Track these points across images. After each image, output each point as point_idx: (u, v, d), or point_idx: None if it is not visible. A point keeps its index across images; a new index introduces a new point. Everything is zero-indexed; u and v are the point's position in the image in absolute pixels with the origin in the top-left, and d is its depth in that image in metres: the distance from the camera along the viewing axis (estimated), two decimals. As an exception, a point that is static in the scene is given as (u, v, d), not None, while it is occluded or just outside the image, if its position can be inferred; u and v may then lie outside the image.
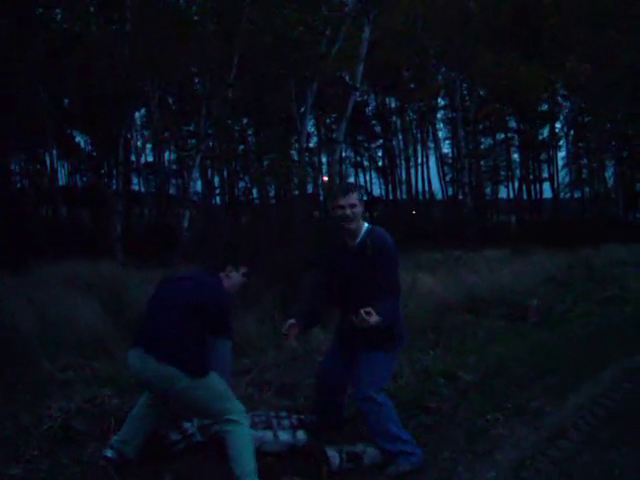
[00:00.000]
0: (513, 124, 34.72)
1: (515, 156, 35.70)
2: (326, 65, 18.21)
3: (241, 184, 26.94)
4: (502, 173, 36.53)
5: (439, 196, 35.77)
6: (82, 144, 29.03)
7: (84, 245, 16.00)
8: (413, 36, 22.92)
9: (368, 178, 40.78)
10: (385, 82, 30.72)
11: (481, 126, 32.91)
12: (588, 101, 28.40)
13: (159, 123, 22.13)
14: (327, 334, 6.43)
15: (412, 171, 36.53)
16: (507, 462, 4.02)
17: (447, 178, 35.40)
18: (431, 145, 35.80)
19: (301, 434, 4.18)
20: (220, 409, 3.60)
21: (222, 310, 3.65)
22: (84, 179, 30.84)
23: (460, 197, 29.84)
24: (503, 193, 37.06)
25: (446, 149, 37.21)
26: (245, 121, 26.35)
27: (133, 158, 27.67)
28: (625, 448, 4.13)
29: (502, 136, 35.43)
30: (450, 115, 33.58)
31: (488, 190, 36.77)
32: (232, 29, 16.74)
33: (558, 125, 32.94)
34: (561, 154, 35.06)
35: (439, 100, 32.16)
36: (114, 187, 19.41)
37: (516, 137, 35.21)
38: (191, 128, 26.16)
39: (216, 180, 27.39)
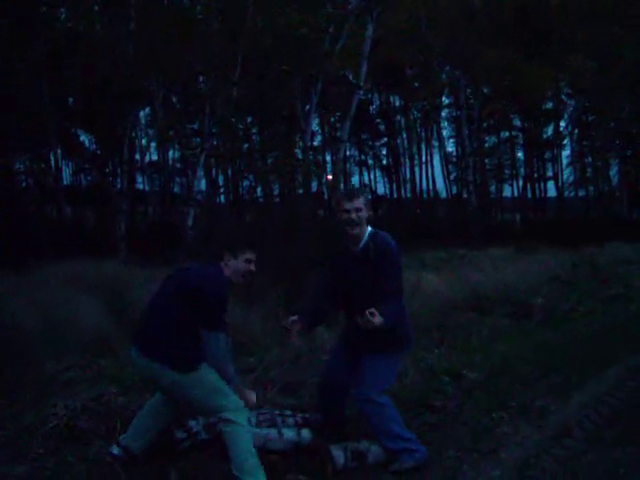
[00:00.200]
0: (518, 122, 34.63)
1: (519, 154, 35.71)
2: (330, 63, 18.20)
3: (245, 183, 27.00)
4: (506, 171, 36.42)
5: (443, 194, 35.78)
6: (87, 143, 29.06)
7: (88, 244, 16.05)
8: (417, 34, 22.92)
9: (372, 177, 40.73)
10: (389, 80, 30.69)
11: (485, 124, 32.85)
12: (592, 100, 28.34)
13: (163, 122, 22.13)
14: (331, 333, 6.43)
15: (416, 169, 36.59)
16: (512, 461, 4.02)
17: (451, 176, 35.38)
18: (435, 143, 35.82)
19: (306, 432, 4.18)
20: (214, 405, 3.58)
21: (216, 298, 3.54)
22: (88, 178, 30.84)
23: (464, 195, 29.83)
24: (507, 191, 37.01)
25: (450, 147, 37.13)
26: (249, 120, 26.36)
27: (137, 157, 27.79)
28: (630, 447, 4.12)
29: (507, 134, 35.33)
30: (454, 113, 33.52)
31: (492, 188, 36.63)
32: (236, 28, 16.74)
33: (562, 123, 32.95)
34: (565, 153, 35.06)
35: (443, 98, 32.16)
36: (118, 186, 19.45)
37: (520, 135, 35.11)
38: (195, 127, 26.16)
39: (220, 179, 27.46)
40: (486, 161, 34.55)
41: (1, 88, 17.30)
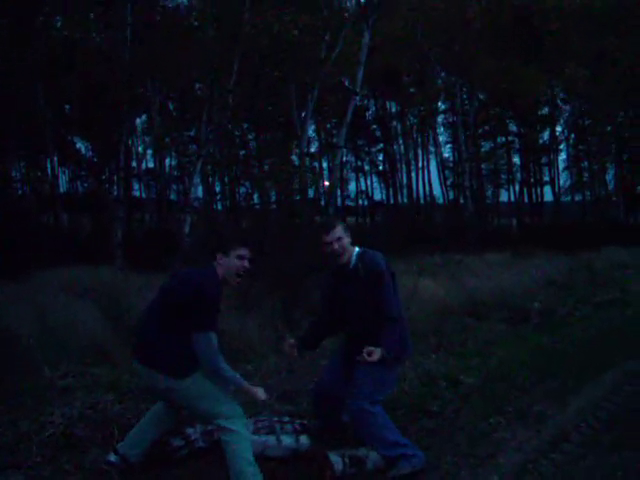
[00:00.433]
0: (514, 128, 34.73)
1: (516, 159, 35.68)
2: (326, 70, 18.23)
3: (242, 189, 26.95)
4: (503, 177, 36.47)
5: (440, 200, 35.89)
6: (83, 150, 29.04)
7: (84, 251, 16.03)
8: (413, 41, 22.95)
9: (369, 182, 40.83)
10: (385, 87, 30.75)
11: (481, 130, 32.92)
12: (588, 105, 28.41)
13: (160, 129, 22.13)
14: (329, 342, 6.42)
15: (413, 175, 36.57)
16: (509, 466, 4.02)
17: (448, 182, 35.45)
18: (432, 149, 35.84)
19: (304, 439, 4.18)
20: (210, 412, 3.57)
21: (207, 297, 3.48)
22: (85, 185, 30.82)
23: (461, 201, 29.86)
24: (504, 197, 37.04)
25: (447, 153, 37.25)
26: (246, 126, 26.36)
27: (134, 164, 27.78)
28: (627, 451, 4.12)
29: (503, 140, 35.41)
30: (450, 119, 33.61)
31: (489, 194, 36.71)
32: (232, 34, 16.74)
33: (558, 128, 33.00)
34: (562, 157, 35.17)
35: (439, 104, 32.22)
36: (115, 193, 19.37)
37: (517, 140, 35.19)
38: (192, 134, 26.16)
39: (217, 186, 27.43)
40: (482, 166, 34.61)
41: (1, 88, 17.28)
